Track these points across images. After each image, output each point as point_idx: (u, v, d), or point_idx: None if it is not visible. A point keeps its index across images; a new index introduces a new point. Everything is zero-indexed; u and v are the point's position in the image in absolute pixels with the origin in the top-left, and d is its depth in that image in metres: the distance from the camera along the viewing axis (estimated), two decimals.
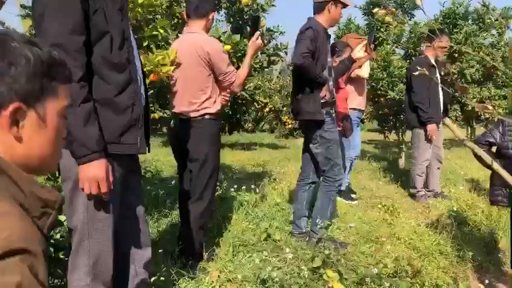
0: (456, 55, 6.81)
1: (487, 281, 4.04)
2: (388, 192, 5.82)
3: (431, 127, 4.95)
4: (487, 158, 2.03)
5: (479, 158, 2.80)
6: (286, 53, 4.70)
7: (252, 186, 5.14)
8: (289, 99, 11.73)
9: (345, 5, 3.56)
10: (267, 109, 9.16)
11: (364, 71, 5.07)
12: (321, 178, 3.74)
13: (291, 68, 13.29)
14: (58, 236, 2.31)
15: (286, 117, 12.08)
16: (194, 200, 3.07)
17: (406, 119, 5.49)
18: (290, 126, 12.56)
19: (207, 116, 3.03)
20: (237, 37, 3.74)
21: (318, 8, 3.57)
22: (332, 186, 3.63)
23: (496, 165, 1.39)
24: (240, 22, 4.64)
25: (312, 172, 3.84)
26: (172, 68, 3.01)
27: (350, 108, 5.08)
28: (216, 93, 3.08)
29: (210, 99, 3.04)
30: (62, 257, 2.35)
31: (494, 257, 4.47)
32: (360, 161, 7.57)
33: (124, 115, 1.84)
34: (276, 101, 9.81)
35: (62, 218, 2.36)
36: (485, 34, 7.06)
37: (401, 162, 7.42)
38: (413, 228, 4.47)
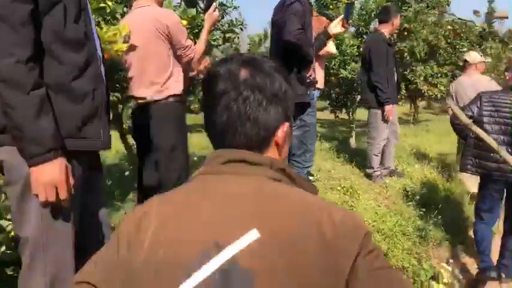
0: (405, 33, 6.81)
1: (451, 260, 4.09)
2: (344, 173, 5.75)
3: (388, 108, 4.83)
4: (491, 142, 2.10)
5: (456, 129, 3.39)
6: (241, 29, 4.43)
7: None
8: None
9: None
10: None
11: (333, 47, 4.85)
12: (291, 162, 3.53)
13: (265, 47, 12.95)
14: (3, 248, 1.94)
15: None
16: (166, 190, 2.76)
17: (363, 99, 5.38)
18: None
19: (171, 99, 2.73)
20: (193, 11, 3.41)
21: None
22: (301, 173, 3.45)
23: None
24: None
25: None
26: (125, 45, 2.66)
27: None
28: (178, 71, 2.78)
29: (172, 77, 2.74)
30: (11, 273, 1.99)
31: (454, 235, 4.54)
32: None
33: (83, 103, 1.52)
34: None
35: (4, 223, 2.00)
36: (432, 11, 7.12)
37: (352, 141, 7.41)
38: (374, 209, 4.42)
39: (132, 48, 2.67)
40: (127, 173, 4.26)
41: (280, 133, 0.96)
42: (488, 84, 4.98)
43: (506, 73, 3.79)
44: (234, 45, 5.53)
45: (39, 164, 1.38)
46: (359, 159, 6.12)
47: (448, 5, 9.50)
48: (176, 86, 2.76)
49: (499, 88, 4.74)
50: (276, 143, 0.96)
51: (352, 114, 7.44)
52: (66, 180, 1.43)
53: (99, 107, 1.57)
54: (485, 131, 3.06)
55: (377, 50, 4.77)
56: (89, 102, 1.53)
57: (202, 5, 4.32)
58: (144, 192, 2.89)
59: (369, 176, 5.48)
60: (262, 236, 0.80)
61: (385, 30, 4.98)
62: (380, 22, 5.17)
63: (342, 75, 6.46)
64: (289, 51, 3.16)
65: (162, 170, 2.77)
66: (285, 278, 0.77)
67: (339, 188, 4.91)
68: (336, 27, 3.46)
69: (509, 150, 3.06)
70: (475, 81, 5.06)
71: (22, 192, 1.48)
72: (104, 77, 1.67)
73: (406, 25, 6.46)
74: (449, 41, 10.40)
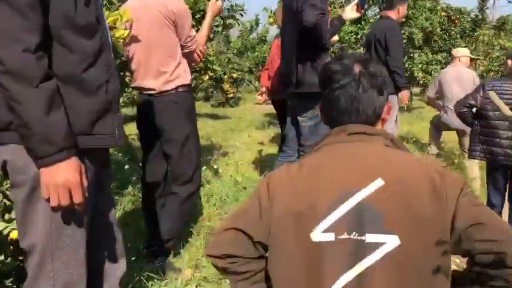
0: (404, 19, 6.68)
1: None
2: None
3: (405, 93, 4.68)
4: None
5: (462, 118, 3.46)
6: (242, 15, 4.26)
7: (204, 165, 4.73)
8: (230, 66, 11.27)
9: None
10: (207, 77, 8.61)
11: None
12: (300, 154, 3.39)
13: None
14: (2, 257, 1.78)
15: (228, 85, 11.55)
16: (181, 183, 2.65)
17: None
18: (232, 95, 12.05)
19: (180, 89, 2.58)
20: None
21: None
22: None
23: None
24: None
25: (297, 150, 3.50)
26: (126, 32, 2.50)
27: None
28: (185, 60, 2.63)
29: (180, 65, 2.58)
30: (9, 284, 1.83)
31: None
32: None
33: (96, 96, 1.37)
34: (216, 69, 9.26)
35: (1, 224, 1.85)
36: None
37: None
38: None
39: (134, 39, 2.51)
40: (127, 166, 4.09)
41: (386, 111, 1.26)
42: (469, 76, 5.24)
43: (508, 61, 3.73)
44: (224, 32, 5.35)
45: (51, 165, 1.23)
46: None
47: None
48: (185, 75, 2.61)
49: (477, 81, 5.12)
50: (382, 119, 1.26)
51: None
52: (80, 181, 1.29)
53: (113, 99, 1.42)
54: (491, 118, 3.19)
55: (394, 34, 4.64)
56: (102, 94, 1.38)
57: None
58: (150, 188, 2.75)
59: None
60: (385, 183, 1.07)
61: (394, 16, 4.79)
62: (385, 9, 4.98)
63: None
64: (307, 37, 3.01)
65: (175, 163, 2.64)
66: (405, 212, 1.04)
67: None
68: (351, 11, 3.29)
69: None
70: (457, 72, 5.30)
71: (29, 195, 1.33)
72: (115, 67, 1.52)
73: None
74: (443, 27, 10.34)
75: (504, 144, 3.15)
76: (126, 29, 2.54)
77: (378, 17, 6.67)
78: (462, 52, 5.58)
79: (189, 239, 3.05)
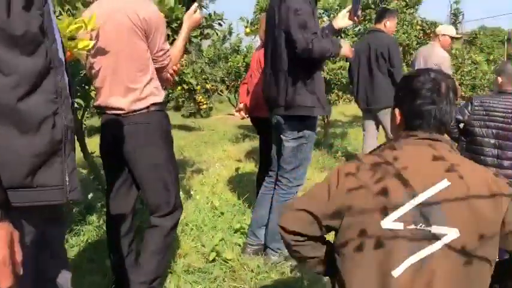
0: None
1: None
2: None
3: None
4: None
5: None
6: (220, 24, 3.91)
7: None
8: (203, 76, 10.87)
9: None
10: (179, 88, 8.20)
11: None
12: (278, 178, 3.03)
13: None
14: None
15: (201, 96, 11.11)
16: (161, 215, 2.29)
17: (378, 98, 4.78)
18: (205, 106, 11.62)
19: (153, 108, 2.21)
20: (171, 1, 2.88)
21: None
22: (289, 194, 2.96)
23: None
24: None
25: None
26: (91, 43, 2.12)
27: None
28: (155, 75, 2.26)
29: (152, 81, 2.22)
30: None
31: None
32: None
33: (39, 135, 1.00)
34: (189, 80, 8.79)
35: None
36: (410, 11, 6.83)
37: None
38: None
39: (100, 50, 2.13)
40: (90, 195, 3.65)
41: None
42: (438, 59, 5.13)
43: (498, 77, 3.59)
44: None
45: None
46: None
47: (419, 4, 9.33)
48: (158, 92, 2.25)
49: (446, 65, 5.10)
50: (446, 130, 1.48)
51: (328, 117, 7.06)
52: (9, 258, 0.91)
53: (62, 139, 1.04)
54: (477, 135, 3.12)
55: (397, 50, 4.79)
56: (47, 132, 1.01)
57: None
58: (116, 223, 2.35)
59: None
60: (451, 184, 1.26)
61: (383, 29, 4.79)
62: (375, 22, 5.03)
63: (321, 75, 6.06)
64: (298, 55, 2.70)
65: (152, 193, 2.28)
66: (465, 209, 1.24)
67: None
68: (343, 19, 2.97)
69: (500, 154, 3.06)
70: (427, 52, 5.32)
71: None
72: (69, 91, 1.14)
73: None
74: (419, 41, 10.26)
75: (489, 162, 3.06)
76: (91, 38, 2.16)
77: (360, 29, 6.50)
78: (443, 30, 5.45)
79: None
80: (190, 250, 3.03)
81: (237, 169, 5.37)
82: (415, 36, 9.61)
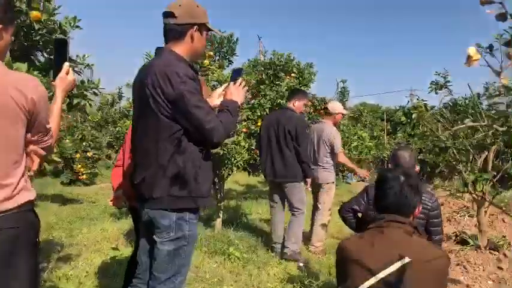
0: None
1: None
2: (216, 271, 4.81)
3: (310, 180, 5.33)
4: None
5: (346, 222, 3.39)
6: (96, 94, 3.36)
7: None
8: (84, 143, 9.92)
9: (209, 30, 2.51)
10: (56, 154, 7.29)
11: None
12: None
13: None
14: None
15: (80, 165, 10.05)
16: None
17: (286, 173, 5.17)
18: (84, 176, 10.49)
19: (24, 208, 1.81)
20: (24, 66, 2.30)
21: (176, 34, 2.39)
22: None
23: None
24: (28, 44, 3.11)
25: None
26: None
27: None
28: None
29: (25, 174, 1.85)
30: None
31: None
32: None
33: None
34: (66, 145, 7.85)
35: None
36: (304, 88, 6.85)
37: (218, 225, 6.53)
38: None
39: None
40: None
41: (418, 209, 2.16)
42: (335, 134, 5.64)
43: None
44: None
45: None
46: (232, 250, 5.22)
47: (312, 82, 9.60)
48: (30, 186, 1.87)
49: (339, 141, 5.66)
50: (414, 215, 2.14)
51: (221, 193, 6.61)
52: None
53: None
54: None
55: (305, 129, 5.23)
56: None
57: (41, 58, 3.19)
58: None
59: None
60: (411, 259, 1.82)
61: (296, 109, 5.26)
62: (287, 100, 5.44)
63: (214, 151, 5.64)
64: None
65: None
66: (419, 276, 1.83)
67: None
68: (220, 98, 2.63)
69: None
70: (324, 128, 5.69)
71: None
72: None
73: (280, 101, 6.01)
74: (309, 116, 10.49)
75: None
76: None
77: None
78: (337, 109, 5.85)
79: None
80: None
81: (113, 257, 4.60)
82: (308, 112, 9.82)
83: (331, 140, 5.58)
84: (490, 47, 2.31)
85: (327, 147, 5.60)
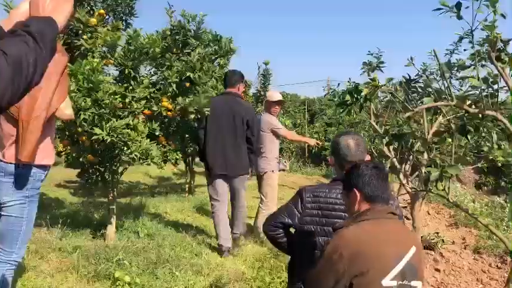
0: (187, 85, 4.99)
1: None
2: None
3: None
4: None
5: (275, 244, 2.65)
6: None
7: None
8: None
9: None
10: None
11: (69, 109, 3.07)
12: None
13: None
14: None
15: None
16: None
17: (240, 165, 4.95)
18: None
19: None
20: None
21: None
22: None
23: None
24: None
25: None
26: None
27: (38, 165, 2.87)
28: None
29: None
30: None
31: None
32: None
33: None
34: None
35: None
36: (222, 60, 5.52)
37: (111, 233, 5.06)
38: None
39: None
40: None
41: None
42: (274, 121, 5.57)
43: (328, 157, 3.03)
44: None
45: None
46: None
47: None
48: None
49: (277, 124, 5.56)
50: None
51: (115, 191, 5.13)
52: None
53: None
54: (310, 242, 2.42)
55: (255, 117, 5.13)
56: None
57: None
58: None
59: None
60: (416, 249, 1.91)
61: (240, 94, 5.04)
62: (229, 86, 5.06)
63: (96, 137, 4.16)
64: None
65: None
66: (422, 266, 1.97)
67: None
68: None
69: None
70: (263, 118, 5.57)
71: None
72: None
73: (189, 74, 4.64)
74: None
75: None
76: None
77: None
78: (268, 96, 5.77)
79: None
80: None
81: None
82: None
83: (272, 127, 5.52)
84: None
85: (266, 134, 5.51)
